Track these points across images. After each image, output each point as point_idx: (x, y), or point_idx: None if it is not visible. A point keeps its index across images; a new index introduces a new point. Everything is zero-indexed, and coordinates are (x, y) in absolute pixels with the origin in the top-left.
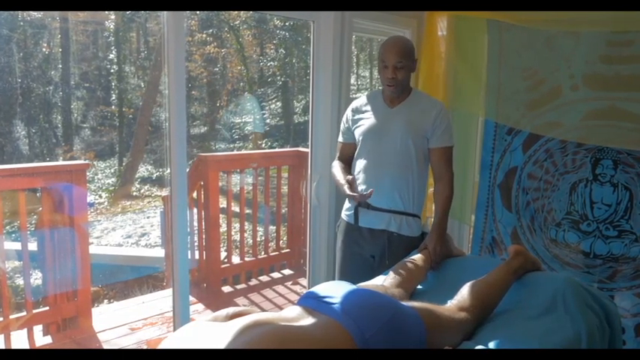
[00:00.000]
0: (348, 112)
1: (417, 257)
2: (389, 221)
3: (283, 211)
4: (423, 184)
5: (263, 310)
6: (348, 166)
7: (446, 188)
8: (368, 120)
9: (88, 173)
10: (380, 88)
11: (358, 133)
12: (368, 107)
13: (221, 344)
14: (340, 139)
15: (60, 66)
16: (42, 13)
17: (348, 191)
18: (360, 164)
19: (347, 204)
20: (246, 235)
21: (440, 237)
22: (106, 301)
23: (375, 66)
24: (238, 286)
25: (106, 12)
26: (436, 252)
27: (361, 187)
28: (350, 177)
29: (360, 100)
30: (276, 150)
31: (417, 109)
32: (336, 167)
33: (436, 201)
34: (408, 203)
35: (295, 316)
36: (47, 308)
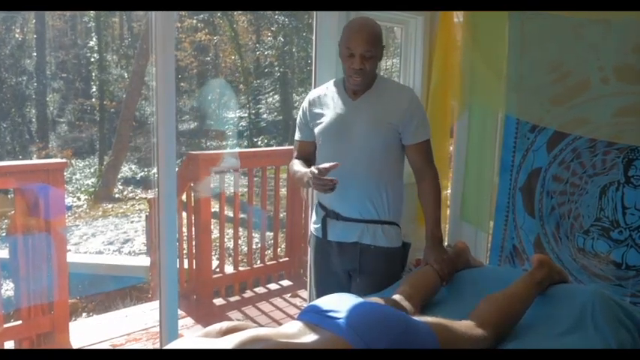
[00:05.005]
0: (305, 105)
1: (428, 267)
2: (361, 233)
3: (281, 215)
4: (399, 188)
5: (259, 324)
6: (308, 165)
7: (432, 187)
8: (327, 116)
9: (65, 173)
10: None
11: (317, 131)
12: (327, 100)
13: None
14: (297, 136)
15: (34, 54)
16: None
17: (312, 178)
18: None
19: (314, 216)
20: (240, 242)
21: (438, 246)
22: (84, 314)
23: (385, 55)
24: (232, 299)
25: None
26: (440, 264)
27: (330, 200)
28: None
29: (319, 90)
30: (274, 148)
31: (384, 100)
32: (297, 163)
33: (424, 204)
34: (382, 210)
35: (296, 331)
36: (20, 322)
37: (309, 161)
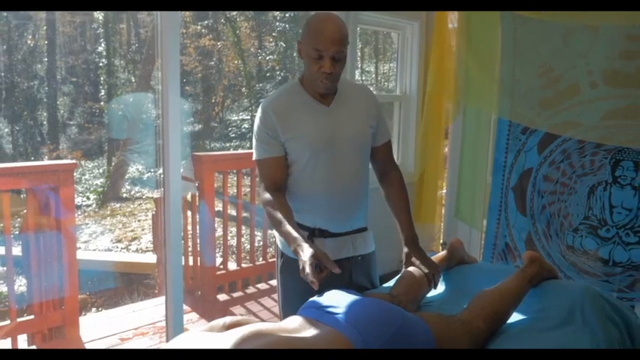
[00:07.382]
0: (269, 116)
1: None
2: (352, 244)
3: None
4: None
5: (261, 320)
6: (285, 198)
7: (402, 190)
8: (306, 128)
9: (75, 173)
10: (296, 79)
11: (298, 148)
12: (295, 109)
13: None
14: (264, 154)
15: (45, 59)
16: None
17: (313, 276)
18: (310, 191)
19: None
20: (243, 239)
21: (419, 248)
22: (94, 309)
23: (382, 60)
24: (235, 294)
25: None
26: (427, 267)
27: (318, 218)
28: (320, 253)
29: (279, 98)
30: None
31: (355, 101)
32: (281, 207)
33: (397, 208)
34: (366, 217)
35: (297, 326)
36: (32, 317)
37: (282, 190)
